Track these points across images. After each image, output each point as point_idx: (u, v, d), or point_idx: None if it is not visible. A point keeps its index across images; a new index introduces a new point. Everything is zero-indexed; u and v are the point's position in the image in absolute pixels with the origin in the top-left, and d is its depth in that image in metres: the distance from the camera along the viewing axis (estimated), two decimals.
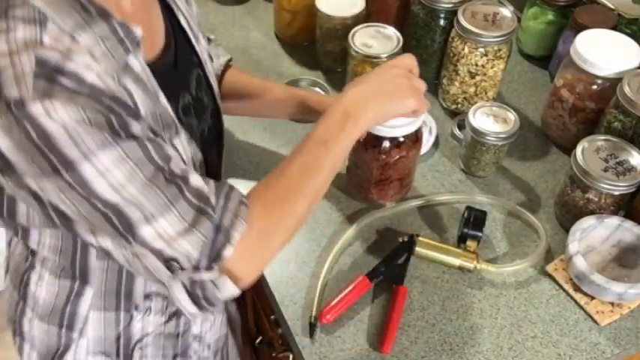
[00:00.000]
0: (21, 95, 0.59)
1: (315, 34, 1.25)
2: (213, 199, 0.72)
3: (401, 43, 1.12)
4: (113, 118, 0.63)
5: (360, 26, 1.14)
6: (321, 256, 0.97)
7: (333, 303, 0.90)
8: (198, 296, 0.72)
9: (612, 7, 1.16)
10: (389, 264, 0.94)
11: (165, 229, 0.67)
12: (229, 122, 1.15)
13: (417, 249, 0.95)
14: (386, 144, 0.94)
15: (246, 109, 1.07)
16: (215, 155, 0.99)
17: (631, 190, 0.93)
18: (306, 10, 1.25)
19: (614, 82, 1.00)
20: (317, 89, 1.23)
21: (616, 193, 0.93)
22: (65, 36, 0.62)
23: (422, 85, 0.85)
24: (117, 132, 0.63)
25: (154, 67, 0.76)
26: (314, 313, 0.89)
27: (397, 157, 0.95)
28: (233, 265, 0.72)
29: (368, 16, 1.22)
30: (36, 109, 0.59)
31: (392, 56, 1.11)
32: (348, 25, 1.17)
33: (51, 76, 0.60)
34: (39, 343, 0.91)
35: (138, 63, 0.70)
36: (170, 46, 0.82)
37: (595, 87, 1.03)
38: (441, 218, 1.03)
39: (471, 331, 0.90)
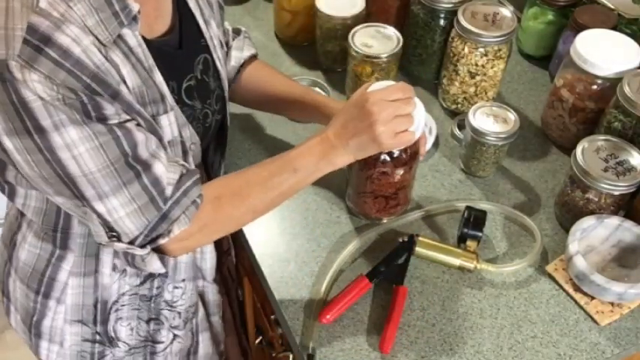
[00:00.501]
0: (7, 57, 0.64)
1: (315, 34, 1.25)
2: (169, 190, 0.77)
3: (401, 43, 1.12)
4: (87, 100, 0.68)
5: (360, 26, 1.14)
6: (320, 256, 0.98)
7: (333, 303, 0.90)
8: (127, 260, 0.82)
9: (612, 7, 1.16)
10: (389, 264, 0.94)
11: (114, 207, 0.74)
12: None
13: (417, 249, 0.95)
14: (382, 158, 0.91)
15: (262, 105, 1.09)
16: (216, 143, 1.03)
17: (631, 190, 0.93)
18: (306, 10, 1.25)
19: (614, 82, 1.00)
20: (317, 89, 1.23)
21: (616, 193, 0.93)
22: (61, 3, 0.66)
23: (412, 123, 0.83)
24: (88, 113, 0.68)
25: (156, 44, 0.80)
26: (312, 344, 0.88)
27: (388, 172, 0.93)
28: (167, 246, 0.80)
29: (368, 16, 1.22)
30: (18, 74, 0.64)
31: (392, 56, 1.11)
32: (348, 25, 1.17)
33: (38, 45, 0.64)
34: (19, 306, 0.96)
35: (134, 37, 0.74)
36: (176, 28, 0.85)
37: (595, 87, 1.03)
38: (441, 218, 1.03)
39: (471, 331, 0.90)
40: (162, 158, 0.77)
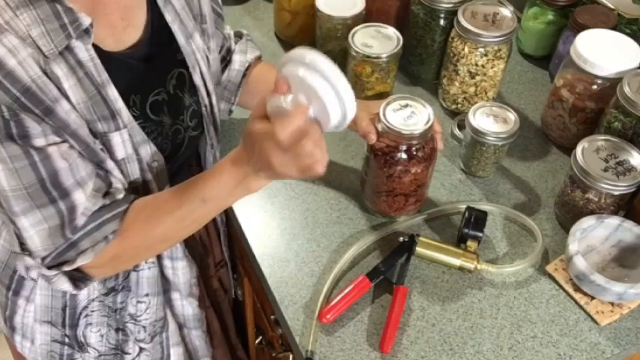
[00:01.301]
0: None
1: (315, 34, 1.25)
2: (81, 220, 0.76)
3: (401, 43, 1.12)
4: (9, 116, 0.66)
5: (360, 26, 1.14)
6: (320, 256, 0.98)
7: (333, 303, 0.90)
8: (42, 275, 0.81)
9: (612, 7, 1.16)
10: (389, 264, 0.94)
11: (24, 226, 0.74)
12: (227, 123, 1.15)
13: (418, 249, 0.95)
14: (399, 156, 0.93)
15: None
16: (194, 159, 1.01)
17: (631, 190, 0.93)
18: (306, 10, 1.25)
19: (614, 82, 1.00)
20: None
21: (616, 193, 0.93)
22: (8, 10, 0.66)
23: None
24: (9, 132, 0.67)
25: (120, 56, 0.78)
26: (310, 347, 0.87)
27: (409, 170, 0.94)
28: (84, 269, 0.80)
29: (368, 16, 1.22)
30: None
31: (392, 56, 1.11)
32: (348, 25, 1.17)
33: None
34: None
35: (85, 51, 0.73)
36: (146, 40, 0.83)
37: (595, 87, 1.03)
38: (442, 218, 1.03)
39: (471, 331, 0.90)
40: (88, 187, 0.75)
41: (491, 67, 1.10)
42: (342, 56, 1.21)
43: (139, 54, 0.82)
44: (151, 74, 0.84)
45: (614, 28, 1.11)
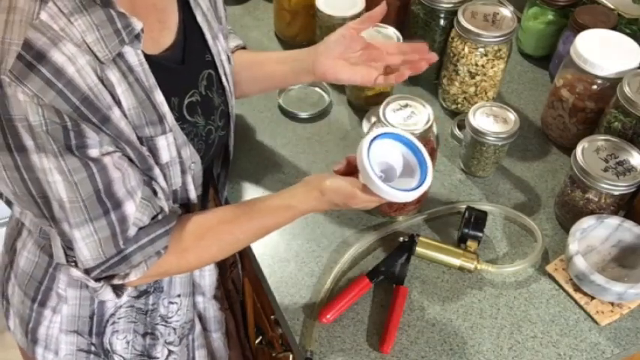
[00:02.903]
0: (0, 71, 0.63)
1: (315, 34, 1.25)
2: (132, 231, 0.76)
3: None
4: (71, 126, 0.66)
5: None
6: (320, 256, 0.98)
7: (333, 303, 0.90)
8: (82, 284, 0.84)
9: (612, 7, 1.16)
10: (389, 264, 0.93)
11: (76, 237, 0.73)
12: None
13: (418, 249, 0.95)
14: None
15: (250, 85, 1.04)
16: (220, 161, 1.01)
17: (631, 190, 0.93)
18: (306, 10, 1.25)
19: (614, 82, 1.00)
20: (317, 89, 1.23)
21: (616, 193, 0.93)
22: (62, 17, 0.65)
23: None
24: (69, 144, 0.67)
25: (159, 60, 0.78)
26: (310, 347, 0.87)
27: None
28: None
29: None
30: (7, 89, 0.63)
31: None
32: None
33: (31, 62, 0.63)
34: (16, 311, 0.95)
35: (135, 56, 0.72)
36: (180, 42, 0.83)
37: (595, 87, 1.03)
38: (442, 218, 1.03)
39: (471, 331, 0.90)
40: (137, 196, 0.75)
41: (492, 67, 1.10)
42: None
43: (175, 56, 0.82)
44: (185, 76, 0.84)
45: (614, 28, 1.11)
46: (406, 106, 0.94)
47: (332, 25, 1.19)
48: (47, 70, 0.63)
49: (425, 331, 0.90)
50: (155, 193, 0.79)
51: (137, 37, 0.71)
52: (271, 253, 0.98)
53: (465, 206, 0.99)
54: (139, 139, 0.75)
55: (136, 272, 0.78)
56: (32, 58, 0.63)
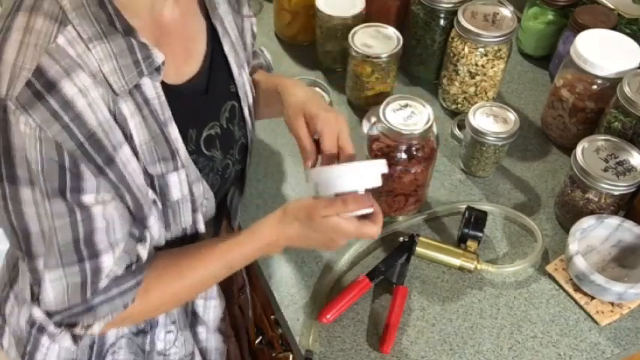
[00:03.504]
0: (6, 96, 0.60)
1: (315, 34, 1.25)
2: (104, 283, 0.71)
3: (401, 43, 1.12)
4: (69, 165, 0.62)
5: (360, 26, 1.14)
6: (320, 256, 0.97)
7: (333, 303, 0.90)
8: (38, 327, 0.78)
9: (612, 7, 1.16)
10: (389, 264, 0.94)
11: (45, 278, 0.69)
12: None
13: (418, 249, 0.95)
14: (399, 156, 0.93)
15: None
16: (233, 194, 0.96)
17: (631, 190, 0.93)
18: (306, 10, 1.25)
19: (614, 82, 1.00)
20: (317, 89, 1.23)
21: (616, 193, 0.93)
22: (80, 42, 0.62)
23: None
24: (62, 189, 0.64)
25: (180, 90, 0.74)
26: (310, 347, 0.87)
27: (409, 170, 0.94)
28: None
29: (368, 16, 1.22)
30: (11, 117, 0.60)
31: (392, 56, 1.11)
32: (348, 25, 1.17)
33: (40, 91, 0.60)
34: (13, 331, 0.90)
35: (153, 88, 0.69)
36: (205, 71, 0.79)
37: (595, 87, 1.03)
38: (442, 218, 1.03)
39: (471, 331, 0.90)
40: (118, 249, 0.71)
41: (491, 67, 1.10)
42: (342, 56, 1.21)
43: (198, 85, 0.78)
44: (207, 107, 0.80)
45: (614, 28, 1.11)
46: (406, 106, 0.94)
47: (332, 25, 1.19)
48: (56, 101, 0.60)
49: (425, 331, 0.90)
50: (141, 239, 0.75)
51: (157, 69, 0.68)
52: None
53: (465, 206, 0.99)
54: (150, 176, 0.71)
55: (100, 324, 0.73)
56: (42, 87, 0.60)
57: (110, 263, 0.70)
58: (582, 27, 1.10)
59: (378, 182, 0.74)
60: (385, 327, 0.88)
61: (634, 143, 0.96)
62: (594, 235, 0.95)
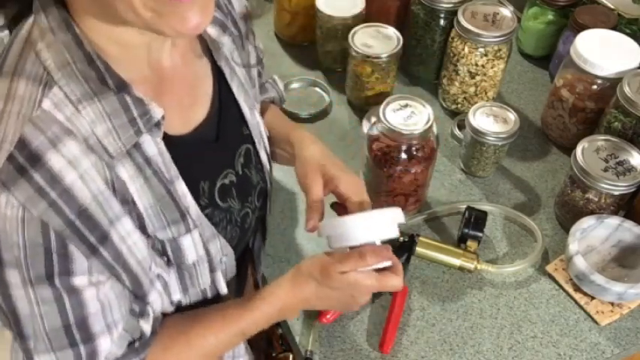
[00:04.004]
0: None
1: (315, 34, 1.25)
2: None
3: (401, 43, 1.12)
4: (55, 247, 0.56)
5: (360, 26, 1.14)
6: None
7: None
8: None
9: (612, 7, 1.16)
10: None
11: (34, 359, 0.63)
12: None
13: (418, 249, 0.95)
14: (399, 156, 0.93)
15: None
16: (254, 241, 0.90)
17: (631, 190, 0.93)
18: (306, 10, 1.25)
19: (614, 82, 1.00)
20: (317, 89, 1.23)
21: (616, 193, 0.93)
22: (68, 105, 0.56)
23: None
24: (49, 274, 0.57)
25: (187, 140, 0.69)
26: (310, 347, 0.87)
27: (409, 170, 0.94)
28: None
29: (368, 16, 1.22)
30: None
31: (392, 56, 1.11)
32: (348, 25, 1.17)
33: (23, 166, 0.54)
34: None
35: (154, 145, 0.63)
36: (214, 117, 0.73)
37: (595, 87, 1.03)
38: (442, 218, 1.03)
39: (471, 331, 0.90)
40: (117, 331, 0.65)
41: (491, 67, 1.10)
42: (342, 56, 1.21)
43: (207, 133, 0.71)
44: (219, 155, 0.74)
45: (614, 28, 1.11)
46: (406, 106, 0.94)
47: (332, 25, 1.19)
48: (41, 176, 0.54)
49: (425, 331, 0.90)
50: (143, 314, 0.69)
51: (157, 124, 0.62)
52: (271, 253, 0.98)
53: (465, 206, 0.99)
54: (160, 242, 0.66)
55: None
56: (25, 161, 0.53)
57: (107, 346, 0.65)
58: (582, 27, 1.10)
59: (395, 233, 0.70)
60: (385, 327, 0.88)
61: (634, 143, 0.96)
62: (594, 235, 0.95)
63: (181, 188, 0.66)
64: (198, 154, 0.70)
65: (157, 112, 0.61)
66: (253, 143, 0.79)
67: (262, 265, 0.95)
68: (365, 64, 1.12)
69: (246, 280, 0.94)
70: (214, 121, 0.72)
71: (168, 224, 0.66)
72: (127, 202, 0.61)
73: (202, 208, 0.70)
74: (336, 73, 1.26)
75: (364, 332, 0.89)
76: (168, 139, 0.65)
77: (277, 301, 0.72)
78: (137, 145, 0.61)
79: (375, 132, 0.95)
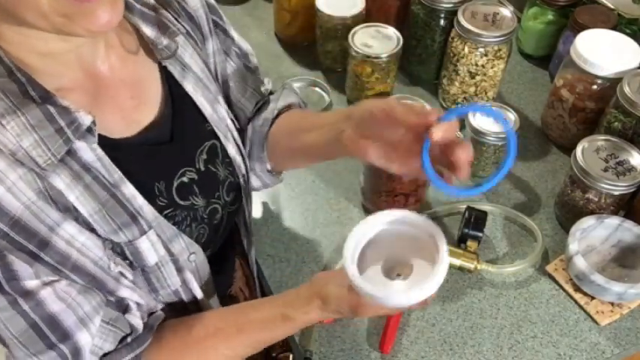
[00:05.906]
0: None
1: (315, 34, 1.25)
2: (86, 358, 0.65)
3: (401, 43, 1.12)
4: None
5: (360, 26, 1.14)
6: (320, 256, 0.97)
7: None
8: None
9: (612, 7, 1.16)
10: None
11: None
12: None
13: None
14: None
15: (285, 158, 0.88)
16: (242, 240, 0.90)
17: (631, 190, 0.93)
18: (306, 10, 1.25)
19: (614, 82, 1.00)
20: (317, 89, 1.23)
21: (616, 193, 0.93)
22: None
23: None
24: None
25: (135, 142, 0.68)
26: (310, 347, 0.87)
27: None
28: None
29: (368, 16, 1.22)
30: None
31: (392, 56, 1.11)
32: (348, 25, 1.17)
33: None
34: None
35: (90, 151, 0.62)
36: (167, 117, 0.72)
37: (595, 87, 1.03)
38: (442, 218, 1.03)
39: (471, 331, 0.90)
40: (94, 324, 0.64)
41: (491, 67, 1.10)
42: (342, 56, 1.21)
43: (160, 134, 0.71)
44: (174, 155, 0.73)
45: (614, 28, 1.11)
46: None
47: (332, 25, 1.19)
48: None
49: (425, 331, 0.90)
50: (127, 309, 0.68)
51: (89, 130, 0.61)
52: (271, 253, 0.98)
53: (465, 206, 0.99)
54: (118, 245, 0.65)
55: None
56: None
57: (88, 340, 0.64)
58: (582, 27, 1.10)
59: (432, 293, 0.69)
60: (385, 327, 0.88)
61: (634, 143, 0.96)
62: (594, 235, 0.95)
63: (129, 191, 0.65)
64: (148, 155, 0.69)
65: (85, 119, 0.60)
66: (219, 138, 0.78)
67: (263, 266, 0.95)
68: (365, 64, 1.12)
69: (233, 278, 0.94)
70: (168, 122, 0.72)
71: (120, 228, 0.65)
72: (69, 210, 0.61)
73: (161, 209, 0.70)
74: (336, 73, 1.26)
75: (364, 332, 0.89)
76: (111, 143, 0.65)
77: (298, 325, 0.73)
78: (71, 153, 0.61)
79: None
